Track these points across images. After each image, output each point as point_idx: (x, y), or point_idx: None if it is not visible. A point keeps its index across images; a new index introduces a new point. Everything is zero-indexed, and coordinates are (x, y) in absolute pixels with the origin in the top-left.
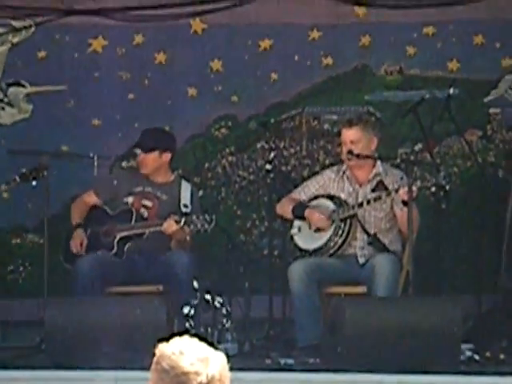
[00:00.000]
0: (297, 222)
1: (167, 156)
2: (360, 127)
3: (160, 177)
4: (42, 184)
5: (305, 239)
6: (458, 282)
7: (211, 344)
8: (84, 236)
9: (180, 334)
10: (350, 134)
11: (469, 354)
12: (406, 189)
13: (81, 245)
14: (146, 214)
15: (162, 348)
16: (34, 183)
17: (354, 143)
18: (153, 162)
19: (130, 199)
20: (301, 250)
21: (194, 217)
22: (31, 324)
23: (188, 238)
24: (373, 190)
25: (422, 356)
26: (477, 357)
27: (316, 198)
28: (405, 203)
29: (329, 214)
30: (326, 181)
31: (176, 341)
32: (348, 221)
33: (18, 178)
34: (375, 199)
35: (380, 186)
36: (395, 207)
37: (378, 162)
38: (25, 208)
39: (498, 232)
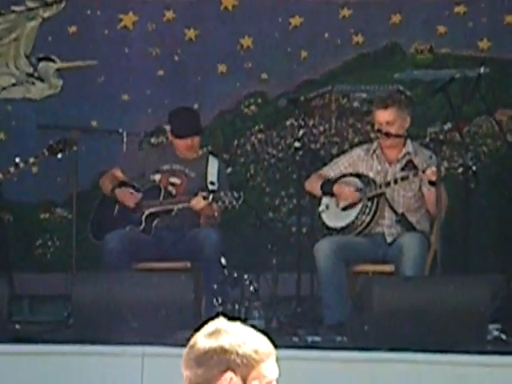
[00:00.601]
0: (324, 200)
1: (197, 139)
2: (395, 108)
3: (189, 154)
4: (71, 159)
5: (332, 217)
6: (486, 262)
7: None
8: (128, 190)
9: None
10: (385, 116)
11: (496, 333)
12: (433, 169)
13: (131, 195)
14: (174, 191)
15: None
16: (59, 156)
17: (390, 124)
18: (185, 146)
19: (158, 177)
20: (328, 228)
21: (222, 193)
22: (59, 298)
23: (216, 214)
24: (402, 169)
25: (449, 335)
26: (504, 336)
27: (344, 176)
28: (432, 183)
29: (357, 191)
30: (355, 159)
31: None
32: (375, 199)
33: (45, 151)
34: (402, 178)
35: (409, 165)
36: (423, 187)
37: (409, 141)
38: (53, 183)
39: None
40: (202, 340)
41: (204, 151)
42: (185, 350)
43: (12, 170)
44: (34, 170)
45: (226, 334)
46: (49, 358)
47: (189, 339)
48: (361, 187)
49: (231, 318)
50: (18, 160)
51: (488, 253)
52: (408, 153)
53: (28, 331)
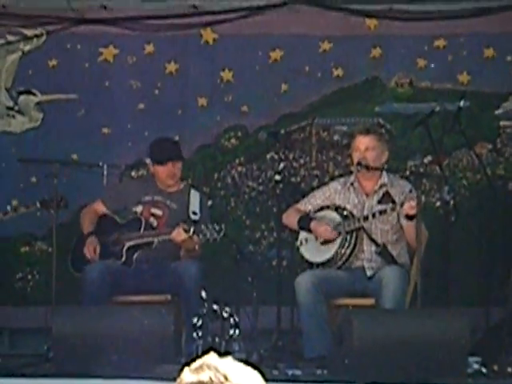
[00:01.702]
0: (303, 234)
1: (178, 166)
2: (376, 137)
3: (170, 186)
4: (52, 192)
5: (312, 251)
6: (466, 295)
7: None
8: (97, 242)
9: (206, 351)
10: (365, 141)
11: (476, 366)
12: (412, 203)
13: (94, 251)
14: (155, 223)
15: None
16: (52, 211)
17: (369, 150)
18: (167, 172)
19: (139, 208)
20: (308, 262)
21: (203, 226)
22: (39, 332)
23: (197, 246)
24: (379, 202)
25: (430, 368)
26: (484, 370)
27: (322, 209)
28: (409, 218)
29: (335, 226)
30: (332, 192)
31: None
32: (354, 233)
33: (38, 204)
34: (381, 212)
35: (386, 196)
36: (401, 219)
37: (384, 173)
38: (33, 216)
39: (506, 245)
40: (187, 375)
41: (185, 184)
42: None
43: (0, 216)
44: (15, 203)
45: (209, 369)
46: None
47: (169, 372)
48: (339, 221)
49: (221, 353)
50: (8, 208)
51: (468, 286)
52: (384, 184)
53: (8, 365)
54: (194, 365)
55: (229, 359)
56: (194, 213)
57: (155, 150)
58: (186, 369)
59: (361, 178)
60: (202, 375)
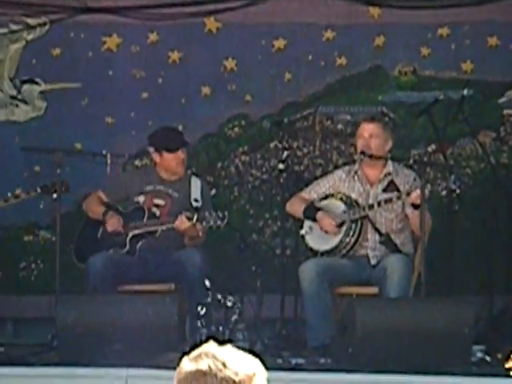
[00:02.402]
0: (307, 222)
1: (185, 153)
2: (380, 124)
3: (177, 173)
4: (55, 181)
5: (316, 240)
6: (470, 284)
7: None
8: (116, 215)
9: (206, 340)
10: (369, 128)
11: (480, 355)
12: (417, 192)
13: (118, 222)
14: (158, 213)
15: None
16: (54, 196)
17: (373, 137)
18: (177, 160)
19: (141, 198)
20: (312, 250)
21: (207, 213)
22: (43, 321)
23: (200, 234)
24: (384, 190)
25: (433, 357)
26: (488, 358)
27: (326, 197)
28: (415, 206)
29: (340, 215)
30: (337, 180)
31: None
32: (359, 222)
33: (39, 190)
34: (386, 201)
35: (391, 185)
36: (407, 208)
37: (389, 162)
38: (37, 205)
39: (510, 234)
40: (186, 364)
41: (186, 173)
42: None
43: (1, 202)
44: (18, 192)
45: (207, 357)
46: (33, 380)
47: (173, 361)
48: (344, 210)
49: (222, 342)
50: (9, 195)
51: (472, 274)
52: (389, 173)
53: (12, 354)
54: (193, 354)
55: (228, 347)
56: (196, 200)
57: (162, 139)
58: (185, 358)
59: (365, 167)
60: (201, 363)
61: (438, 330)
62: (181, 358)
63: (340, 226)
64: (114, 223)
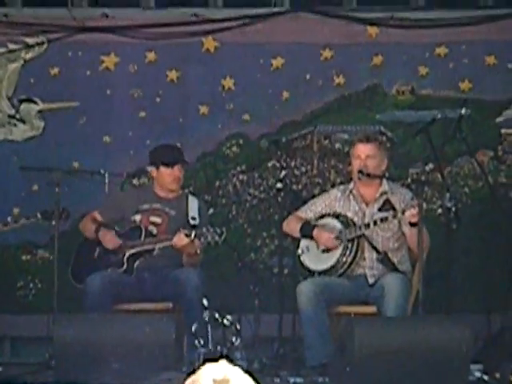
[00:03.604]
0: (304, 242)
1: (182, 170)
2: (376, 145)
3: (172, 191)
4: (53, 200)
5: (313, 259)
6: (468, 302)
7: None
8: (109, 231)
9: (216, 359)
10: (366, 150)
11: (478, 374)
12: (413, 210)
13: (112, 239)
14: (155, 231)
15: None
16: (53, 222)
17: (369, 158)
18: (174, 176)
19: (138, 217)
20: (309, 270)
21: (204, 229)
22: (40, 340)
23: (198, 251)
24: (379, 209)
25: (432, 376)
26: (486, 377)
27: (322, 216)
28: (412, 225)
29: (336, 233)
30: (333, 200)
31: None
32: (355, 241)
33: (39, 215)
34: (382, 220)
35: (387, 204)
36: (403, 227)
37: (384, 181)
38: (35, 224)
39: (508, 252)
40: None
41: (183, 191)
42: None
43: (1, 227)
44: (16, 211)
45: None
46: None
47: (170, 380)
48: (340, 229)
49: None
50: (9, 219)
51: (470, 293)
52: (385, 192)
53: (10, 373)
54: (215, 376)
55: (240, 371)
56: (193, 218)
57: (160, 154)
58: (207, 378)
59: (361, 186)
60: None
61: (436, 349)
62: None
63: (338, 239)
64: (109, 240)
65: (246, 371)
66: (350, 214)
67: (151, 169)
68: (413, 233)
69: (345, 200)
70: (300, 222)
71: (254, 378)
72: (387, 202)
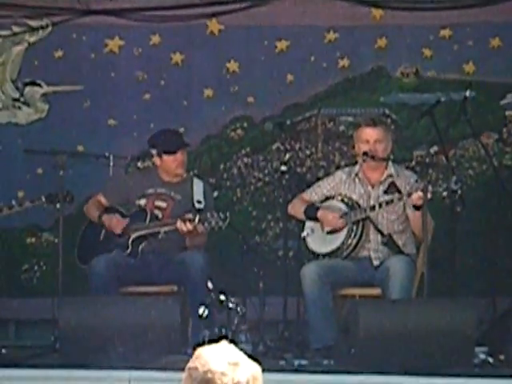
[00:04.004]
0: (308, 224)
1: (185, 154)
2: (383, 127)
3: (178, 175)
4: (58, 183)
5: (318, 242)
6: (473, 285)
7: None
8: (114, 216)
9: (217, 340)
10: (374, 134)
11: (483, 356)
12: (419, 193)
13: (118, 222)
14: (160, 215)
15: (199, 350)
16: (58, 206)
17: (378, 142)
18: (178, 162)
19: (143, 201)
20: (314, 252)
21: (209, 214)
22: (45, 323)
23: (203, 235)
24: (385, 192)
25: (436, 358)
26: (491, 360)
27: (327, 199)
28: (417, 208)
29: (341, 216)
30: (338, 182)
31: (215, 345)
32: (361, 223)
33: (43, 199)
34: (387, 202)
35: (392, 187)
36: (408, 210)
37: (390, 163)
38: (39, 207)
39: None
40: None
41: (187, 174)
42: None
43: (5, 210)
44: (20, 194)
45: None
46: (35, 382)
47: (175, 363)
48: (345, 211)
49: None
50: (14, 203)
51: (474, 276)
52: (390, 175)
53: (14, 356)
54: (208, 350)
55: (230, 346)
56: (199, 201)
57: (162, 141)
58: (201, 354)
59: (366, 169)
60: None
61: (440, 332)
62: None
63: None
64: (115, 224)
65: (249, 355)
66: (355, 197)
67: (155, 157)
68: (416, 216)
69: (350, 182)
70: (304, 205)
71: (257, 361)
72: (392, 184)
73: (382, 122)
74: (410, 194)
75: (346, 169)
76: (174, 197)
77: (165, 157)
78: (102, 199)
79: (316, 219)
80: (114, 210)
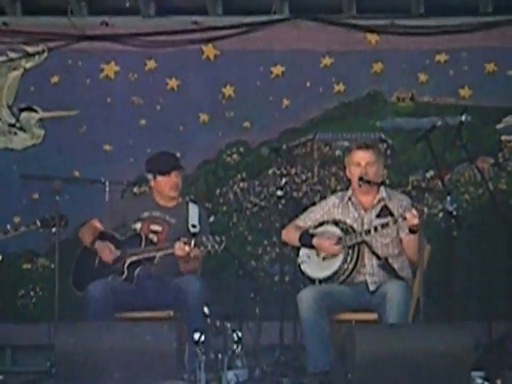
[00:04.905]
0: (304, 251)
1: (179, 176)
2: (375, 151)
3: (172, 199)
4: (54, 208)
5: (314, 267)
6: (469, 309)
7: None
8: (107, 244)
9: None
10: (366, 156)
11: (480, 381)
12: (413, 212)
13: (110, 251)
14: (155, 239)
15: None
16: (53, 230)
17: (369, 165)
18: (171, 184)
19: (138, 225)
20: (310, 278)
21: (204, 238)
22: (41, 349)
23: (198, 260)
24: (378, 215)
25: (433, 383)
26: None
27: (321, 224)
28: (411, 231)
29: (337, 240)
30: (331, 207)
31: None
32: (356, 247)
33: (38, 223)
34: (383, 226)
35: (384, 210)
36: (402, 234)
37: (382, 187)
38: (35, 233)
39: (509, 259)
40: None
41: (183, 199)
42: None
43: (1, 235)
44: (16, 220)
45: None
46: None
47: None
48: (340, 236)
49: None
50: (8, 227)
51: (471, 300)
52: (382, 198)
53: (11, 381)
54: None
55: None
56: (194, 226)
57: (156, 163)
58: None
59: (358, 193)
60: None
61: (437, 356)
62: None
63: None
64: (106, 254)
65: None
66: (349, 221)
67: (150, 178)
68: (412, 239)
69: (343, 207)
70: (299, 231)
71: None
72: (385, 208)
73: (373, 146)
74: (404, 218)
75: (339, 193)
76: (169, 221)
77: (159, 178)
78: (97, 224)
79: (311, 246)
80: (108, 235)
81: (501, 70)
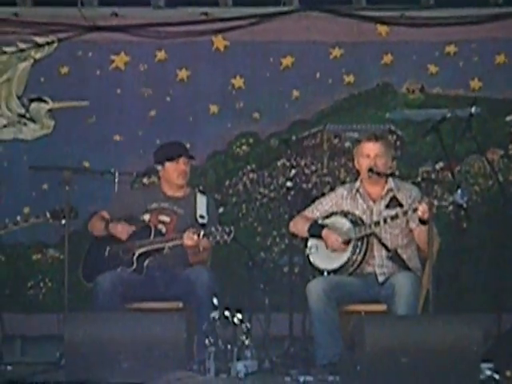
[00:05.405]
0: (313, 242)
1: (187, 163)
2: (384, 143)
3: (180, 187)
4: (63, 199)
5: (323, 258)
6: (478, 301)
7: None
8: (120, 223)
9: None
10: (376, 148)
11: (488, 373)
12: (423, 205)
13: (123, 229)
14: (164, 230)
15: None
16: (62, 221)
17: (379, 157)
18: (179, 170)
19: (147, 216)
20: (319, 269)
21: (213, 228)
22: (51, 339)
23: (207, 251)
24: (387, 206)
25: (442, 375)
26: (497, 376)
27: (330, 215)
28: (422, 222)
29: (345, 232)
30: (339, 198)
31: None
32: (365, 239)
33: (48, 215)
34: (392, 218)
35: (393, 201)
36: (412, 224)
37: (390, 178)
38: (45, 224)
39: None
40: None
41: (191, 189)
42: None
43: (11, 225)
44: (26, 211)
45: None
46: None
47: (181, 379)
48: (349, 227)
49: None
50: (19, 218)
51: (480, 292)
52: (390, 189)
53: (20, 372)
54: None
55: None
56: (202, 216)
57: (164, 151)
58: None
59: (367, 184)
60: None
61: (446, 348)
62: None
63: (346, 243)
64: (121, 230)
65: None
66: (358, 212)
67: (158, 167)
68: (422, 230)
69: (352, 198)
70: (307, 222)
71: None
72: (394, 198)
73: (383, 137)
74: (415, 209)
75: (347, 185)
76: (178, 211)
77: (167, 164)
78: (106, 215)
79: (320, 237)
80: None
81: (511, 61)
